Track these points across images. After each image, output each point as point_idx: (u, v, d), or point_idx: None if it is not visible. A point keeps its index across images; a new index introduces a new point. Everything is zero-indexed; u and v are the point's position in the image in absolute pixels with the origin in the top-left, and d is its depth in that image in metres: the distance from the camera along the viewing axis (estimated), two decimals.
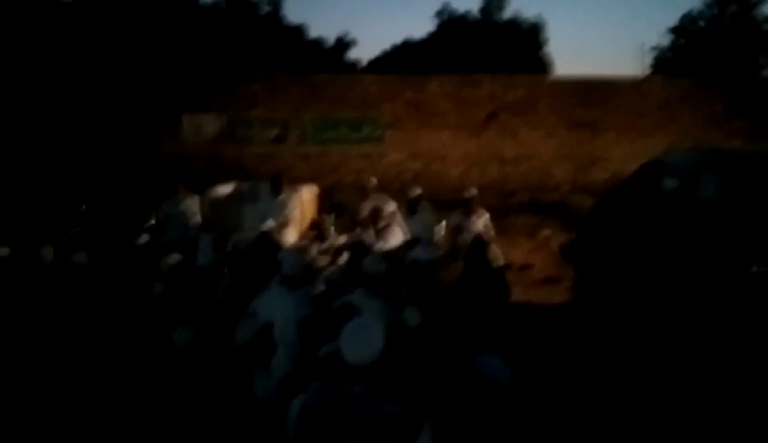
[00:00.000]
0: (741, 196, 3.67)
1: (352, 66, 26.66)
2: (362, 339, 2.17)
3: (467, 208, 7.27)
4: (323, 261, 5.58)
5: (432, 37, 26.08)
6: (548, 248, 10.97)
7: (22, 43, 17.56)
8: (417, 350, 2.95)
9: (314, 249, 6.04)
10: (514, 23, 23.56)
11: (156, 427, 2.61)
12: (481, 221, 7.23)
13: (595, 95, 14.76)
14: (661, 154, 6.12)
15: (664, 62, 23.15)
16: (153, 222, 8.16)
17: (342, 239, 6.58)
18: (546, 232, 11.81)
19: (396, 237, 5.79)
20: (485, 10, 23.40)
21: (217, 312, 3.45)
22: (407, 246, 5.61)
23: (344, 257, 4.87)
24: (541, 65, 23.35)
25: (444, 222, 7.36)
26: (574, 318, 5.82)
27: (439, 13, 26.48)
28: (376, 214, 5.86)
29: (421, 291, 3.93)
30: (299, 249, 5.16)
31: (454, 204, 8.91)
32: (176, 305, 3.61)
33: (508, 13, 24.93)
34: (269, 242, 5.73)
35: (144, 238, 6.26)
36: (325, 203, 10.24)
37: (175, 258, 4.66)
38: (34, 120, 14.49)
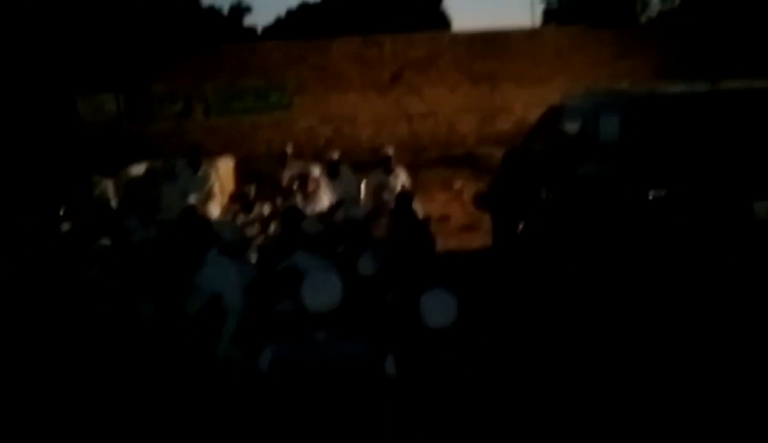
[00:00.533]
0: (636, 133, 4.10)
1: (250, 33, 26.05)
2: (323, 289, 2.37)
3: (386, 166, 7.54)
4: (251, 231, 5.68)
5: (328, 0, 25.85)
6: (461, 199, 11.45)
7: None
8: (372, 295, 3.18)
9: (240, 220, 6.13)
10: None
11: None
12: (401, 178, 7.52)
13: (492, 48, 15.27)
14: (561, 99, 6.57)
15: (554, 12, 24.18)
16: (62, 211, 7.93)
17: (266, 208, 6.69)
18: (458, 184, 12.30)
19: (323, 200, 5.97)
20: None
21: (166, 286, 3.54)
22: (335, 208, 5.80)
23: (274, 225, 5.00)
24: (440, 22, 23.76)
25: (364, 183, 7.60)
26: (495, 257, 6.26)
27: None
28: (304, 179, 6.00)
29: (356, 246, 4.14)
30: (232, 221, 5.24)
31: (368, 165, 9.16)
32: (134, 282, 3.67)
33: None
34: (195, 217, 5.76)
35: (65, 226, 6.09)
36: (241, 175, 10.21)
37: (105, 241, 4.65)
38: None
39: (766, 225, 3.83)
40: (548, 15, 24.53)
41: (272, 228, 5.36)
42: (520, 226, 5.97)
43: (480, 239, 8.18)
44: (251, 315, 3.13)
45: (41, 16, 16.76)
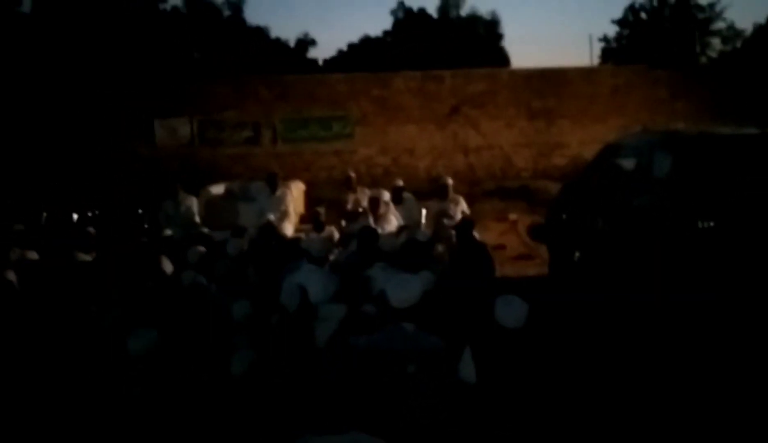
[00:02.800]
0: (689, 170, 4.46)
1: (313, 64, 27.14)
2: (405, 288, 2.82)
3: (443, 194, 8.01)
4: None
5: (389, 35, 26.77)
6: (516, 230, 11.77)
7: None
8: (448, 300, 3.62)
9: (312, 238, 6.67)
10: (471, 19, 24.50)
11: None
12: (460, 206, 7.96)
13: (549, 85, 15.68)
14: (618, 137, 6.94)
15: (611, 52, 24.45)
16: (146, 225, 8.67)
17: (332, 229, 7.23)
18: (513, 216, 12.60)
19: (391, 223, 6.46)
20: (442, 8, 24.28)
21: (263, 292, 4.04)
22: (401, 229, 6.28)
23: (346, 243, 5.51)
24: (499, 59, 24.32)
25: (425, 209, 8.08)
26: (553, 283, 6.61)
27: (395, 11, 27.22)
28: (376, 202, 6.52)
29: (421, 264, 4.58)
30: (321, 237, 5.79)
31: (425, 194, 9.63)
32: (231, 285, 4.19)
33: (464, 11, 25.89)
34: (274, 233, 6.34)
35: (167, 232, 6.76)
36: (309, 198, 10.84)
37: (200, 249, 5.25)
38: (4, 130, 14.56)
39: None
40: (606, 54, 24.83)
41: (347, 245, 5.85)
42: (576, 255, 6.33)
43: (535, 268, 8.49)
44: (346, 314, 3.60)
45: (128, 42, 18.11)
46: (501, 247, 10.24)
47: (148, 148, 15.06)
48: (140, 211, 9.54)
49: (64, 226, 8.93)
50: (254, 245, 5.33)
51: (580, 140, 15.27)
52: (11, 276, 5.18)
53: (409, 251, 4.65)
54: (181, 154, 15.09)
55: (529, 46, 66.28)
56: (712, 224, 4.14)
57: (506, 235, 11.34)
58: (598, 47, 26.19)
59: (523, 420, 2.65)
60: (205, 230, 6.67)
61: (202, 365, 2.94)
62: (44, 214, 9.76)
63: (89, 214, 9.72)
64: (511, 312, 2.80)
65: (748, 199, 4.23)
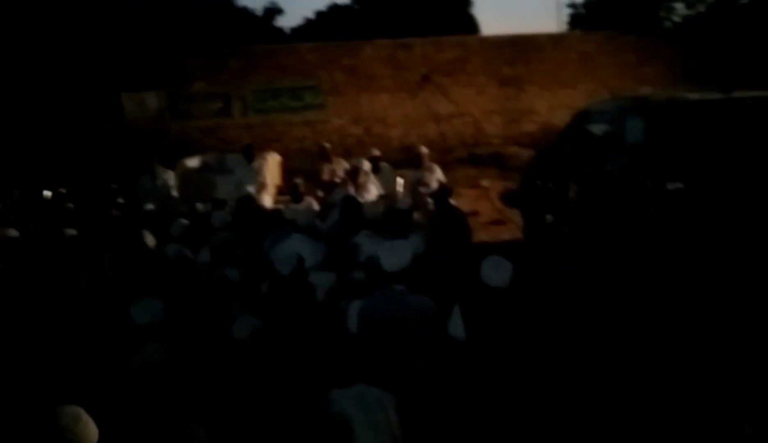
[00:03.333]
0: (659, 135, 4.65)
1: (280, 34, 26.75)
2: (397, 252, 2.96)
3: (418, 163, 8.15)
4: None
5: (358, 2, 26.48)
6: (488, 196, 12.00)
7: None
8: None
9: (289, 210, 6.76)
10: None
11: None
12: (436, 174, 8.12)
13: (519, 52, 15.77)
14: (589, 104, 7.12)
15: (579, 17, 24.60)
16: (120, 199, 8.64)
17: (310, 200, 7.32)
18: (485, 183, 12.83)
19: (371, 192, 6.58)
20: None
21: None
22: (380, 199, 6.41)
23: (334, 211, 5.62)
24: (469, 26, 24.28)
25: (400, 179, 8.21)
26: (527, 247, 6.82)
27: None
28: (356, 172, 6.62)
29: (403, 231, 4.72)
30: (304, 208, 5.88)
31: (398, 163, 9.75)
32: (218, 255, 4.29)
33: None
34: (253, 205, 6.42)
35: (148, 207, 6.76)
36: (284, 170, 10.88)
37: (184, 222, 5.31)
38: None
39: None
40: (574, 20, 24.97)
41: (327, 215, 5.95)
42: (548, 218, 6.55)
43: (508, 233, 8.73)
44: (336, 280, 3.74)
45: (90, 16, 17.62)
46: (474, 214, 10.45)
47: (117, 123, 14.83)
48: (114, 185, 9.48)
49: (38, 204, 8.86)
50: (236, 217, 5.40)
51: (550, 106, 15.48)
52: None
53: (391, 219, 4.78)
54: (151, 128, 14.89)
55: (498, 13, 66.42)
56: (680, 186, 4.36)
57: (479, 202, 11.57)
58: (566, 13, 26.40)
59: (510, 375, 2.82)
60: (181, 204, 6.71)
61: (203, 332, 3.05)
62: (16, 192, 9.65)
63: (62, 191, 9.63)
64: (497, 272, 2.96)
65: (714, 160, 4.45)
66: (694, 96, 5.00)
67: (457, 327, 2.90)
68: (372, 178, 7.07)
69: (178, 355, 2.73)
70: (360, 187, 6.47)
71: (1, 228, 5.88)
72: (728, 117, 4.58)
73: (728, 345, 3.98)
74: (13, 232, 5.75)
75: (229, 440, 2.11)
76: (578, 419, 2.99)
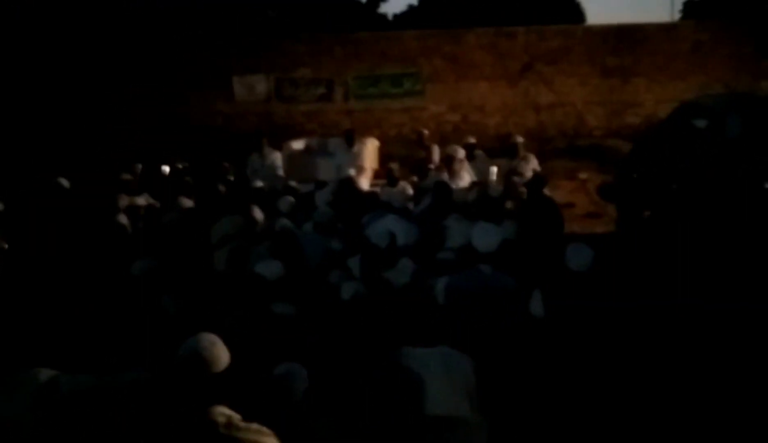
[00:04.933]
0: (760, 132, 4.56)
1: (382, 20, 27.14)
2: (489, 234, 3.19)
3: (514, 152, 8.23)
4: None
5: None
6: (586, 189, 11.84)
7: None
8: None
9: (386, 193, 7.08)
10: None
11: None
12: (531, 164, 8.18)
13: (626, 42, 15.29)
14: (692, 97, 6.96)
15: (693, 6, 23.35)
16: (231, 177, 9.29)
17: (405, 184, 7.61)
18: (583, 175, 12.64)
19: (464, 179, 6.78)
20: None
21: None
22: (474, 185, 6.60)
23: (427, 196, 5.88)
24: (574, 15, 23.67)
25: (494, 167, 8.32)
26: (619, 245, 6.80)
27: None
28: (450, 159, 6.85)
29: (493, 218, 4.91)
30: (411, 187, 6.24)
31: (494, 151, 9.83)
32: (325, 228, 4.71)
33: None
34: (353, 187, 6.79)
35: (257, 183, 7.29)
36: (381, 154, 11.23)
37: (290, 199, 5.76)
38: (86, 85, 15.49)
39: None
40: (688, 8, 23.74)
41: (420, 199, 6.22)
42: (646, 214, 6.50)
43: (602, 226, 8.66)
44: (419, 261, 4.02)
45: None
46: (570, 205, 10.39)
47: (228, 105, 15.73)
48: (225, 163, 10.19)
49: (158, 177, 9.70)
50: (337, 196, 5.78)
51: (656, 99, 14.92)
52: (123, 220, 5.84)
53: (482, 205, 4.99)
54: (258, 111, 15.69)
55: (606, 2, 63.69)
56: None
57: (576, 194, 11.45)
58: (679, 2, 25.13)
59: (583, 351, 2.99)
60: (292, 183, 7.18)
61: (310, 292, 3.44)
62: (138, 166, 10.55)
63: (179, 166, 10.45)
64: (579, 256, 3.12)
65: None
66: None
67: (537, 305, 3.09)
68: (466, 165, 7.24)
69: (303, 311, 3.12)
70: (454, 174, 6.68)
71: (131, 196, 6.58)
72: None
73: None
74: (141, 200, 6.43)
75: (324, 382, 2.44)
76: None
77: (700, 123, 5.57)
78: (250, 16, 19.37)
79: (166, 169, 10.30)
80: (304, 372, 2.33)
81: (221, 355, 1.99)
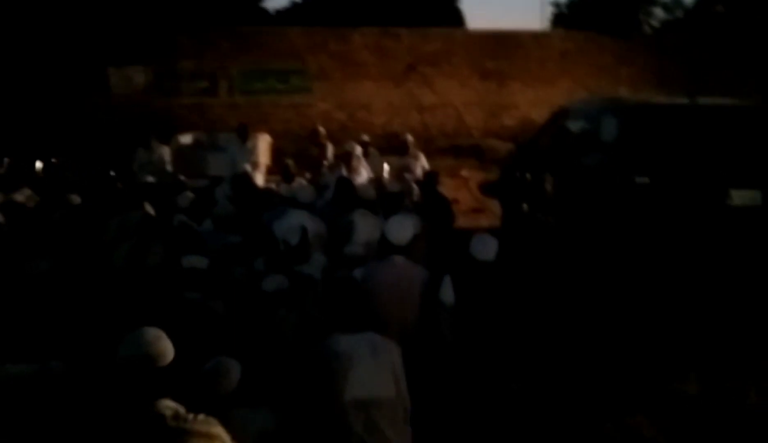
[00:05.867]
0: (629, 133, 5.13)
1: (263, 14, 26.79)
2: (404, 226, 3.37)
3: (404, 150, 8.55)
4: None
5: None
6: (467, 186, 12.46)
7: None
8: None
9: (282, 189, 7.10)
10: None
11: None
12: (420, 162, 8.52)
13: (502, 47, 16.23)
14: (568, 102, 7.58)
15: (562, 16, 25.19)
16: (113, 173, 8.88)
17: (301, 180, 7.66)
18: (465, 173, 13.27)
19: (362, 175, 6.95)
20: None
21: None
22: (370, 182, 6.77)
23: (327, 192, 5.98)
24: (455, 19, 24.65)
25: (386, 165, 8.59)
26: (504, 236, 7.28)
27: None
28: (348, 156, 6.99)
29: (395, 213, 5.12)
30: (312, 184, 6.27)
31: (382, 150, 10.12)
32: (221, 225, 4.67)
33: None
34: (250, 182, 6.75)
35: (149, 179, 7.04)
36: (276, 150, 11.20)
37: (189, 195, 5.64)
38: None
39: (737, 209, 4.93)
40: (557, 19, 25.56)
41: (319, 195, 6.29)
42: (524, 207, 7.03)
43: (486, 220, 9.18)
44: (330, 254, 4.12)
45: None
46: (455, 201, 10.85)
47: (103, 97, 14.89)
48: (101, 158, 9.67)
49: (30, 173, 9.04)
50: (235, 191, 5.74)
51: (530, 102, 15.98)
52: None
53: (387, 201, 5.18)
54: (136, 103, 14.95)
55: (484, 8, 67.25)
56: (648, 180, 4.87)
57: (459, 191, 12.00)
58: (549, 11, 27.06)
59: (492, 337, 3.25)
60: (181, 178, 6.99)
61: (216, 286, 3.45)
62: (5, 160, 9.78)
63: (53, 161, 9.80)
64: (484, 247, 3.37)
65: (679, 158, 4.97)
66: (662, 100, 5.50)
67: (447, 293, 3.31)
68: (363, 161, 7.43)
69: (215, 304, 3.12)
70: (351, 170, 6.83)
71: (7, 193, 6.12)
72: (693, 120, 5.11)
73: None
74: (20, 197, 6.01)
75: (256, 373, 2.49)
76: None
77: (577, 125, 6.12)
78: (129, 3, 18.40)
79: (40, 164, 9.65)
80: (237, 364, 2.37)
81: (167, 349, 1.99)
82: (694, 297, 4.82)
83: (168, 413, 1.89)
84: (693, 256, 4.90)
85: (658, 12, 24.29)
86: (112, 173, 8.89)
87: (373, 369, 2.50)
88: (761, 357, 4.33)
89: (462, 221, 9.24)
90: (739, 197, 4.97)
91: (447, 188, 11.92)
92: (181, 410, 1.94)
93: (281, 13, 28.70)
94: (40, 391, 2.23)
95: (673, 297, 4.79)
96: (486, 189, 11.28)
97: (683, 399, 3.64)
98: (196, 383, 2.28)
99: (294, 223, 4.22)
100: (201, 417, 1.94)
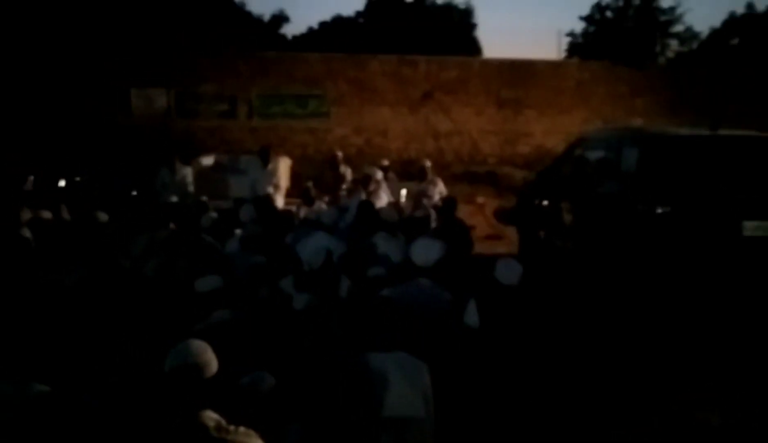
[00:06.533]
0: (651, 164, 5.19)
1: (283, 40, 27.24)
2: (430, 249, 3.43)
3: (422, 176, 8.65)
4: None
5: (362, 15, 27.06)
6: (483, 213, 12.50)
7: None
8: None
9: (302, 212, 7.20)
10: (446, 7, 25.12)
11: None
12: (438, 187, 8.61)
13: (518, 76, 16.39)
14: (586, 131, 7.66)
15: (577, 46, 25.43)
16: (135, 192, 9.04)
17: (321, 204, 7.76)
18: (480, 199, 13.33)
19: (381, 199, 7.04)
20: None
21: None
22: (390, 205, 6.87)
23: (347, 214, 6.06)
24: (472, 48, 24.94)
25: (404, 190, 8.69)
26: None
27: None
28: (368, 179, 7.09)
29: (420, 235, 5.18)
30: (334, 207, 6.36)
31: (398, 175, 10.21)
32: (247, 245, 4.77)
33: None
34: (272, 204, 6.86)
35: (171, 198, 7.15)
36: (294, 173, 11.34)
37: (213, 215, 5.74)
38: None
39: (750, 239, 4.97)
40: (573, 49, 25.80)
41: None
42: (541, 234, 7.08)
43: (503, 247, 9.20)
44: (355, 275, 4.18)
45: (103, 11, 18.00)
46: (471, 228, 10.92)
47: (126, 118, 15.16)
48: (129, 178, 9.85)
49: (54, 191, 9.22)
50: (259, 213, 5.84)
51: (545, 130, 16.10)
52: (26, 233, 5.56)
53: (412, 225, 5.26)
54: (156, 125, 15.21)
55: (500, 37, 68.45)
56: (668, 209, 4.91)
57: (474, 217, 12.04)
58: (565, 42, 27.36)
59: (518, 360, 3.29)
60: (204, 199, 7.10)
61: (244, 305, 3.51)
62: (30, 179, 9.97)
63: (77, 179, 9.99)
64: (509, 271, 3.43)
65: (698, 189, 5.02)
66: (684, 131, 5.56)
67: (472, 317, 3.36)
68: (383, 185, 7.53)
69: (239, 318, 3.17)
70: (370, 194, 6.93)
71: (35, 209, 6.25)
72: (713, 151, 5.17)
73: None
74: (47, 214, 6.13)
75: (289, 388, 2.54)
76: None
77: (597, 154, 6.19)
78: (153, 27, 18.81)
79: (63, 182, 9.84)
80: (272, 379, 2.43)
81: (212, 360, 2.06)
82: (713, 324, 4.84)
83: (211, 424, 1.95)
84: (710, 286, 4.93)
85: (674, 43, 24.50)
86: (134, 193, 9.09)
87: (407, 389, 2.55)
88: None
89: (478, 247, 9.29)
90: (752, 228, 5.03)
91: (462, 214, 11.96)
92: (223, 422, 1.99)
93: (299, 39, 29.22)
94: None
95: (692, 325, 4.81)
96: (501, 216, 11.31)
97: (706, 429, 3.64)
98: (233, 396, 2.33)
99: (318, 245, 4.29)
100: (242, 429, 2.00)
